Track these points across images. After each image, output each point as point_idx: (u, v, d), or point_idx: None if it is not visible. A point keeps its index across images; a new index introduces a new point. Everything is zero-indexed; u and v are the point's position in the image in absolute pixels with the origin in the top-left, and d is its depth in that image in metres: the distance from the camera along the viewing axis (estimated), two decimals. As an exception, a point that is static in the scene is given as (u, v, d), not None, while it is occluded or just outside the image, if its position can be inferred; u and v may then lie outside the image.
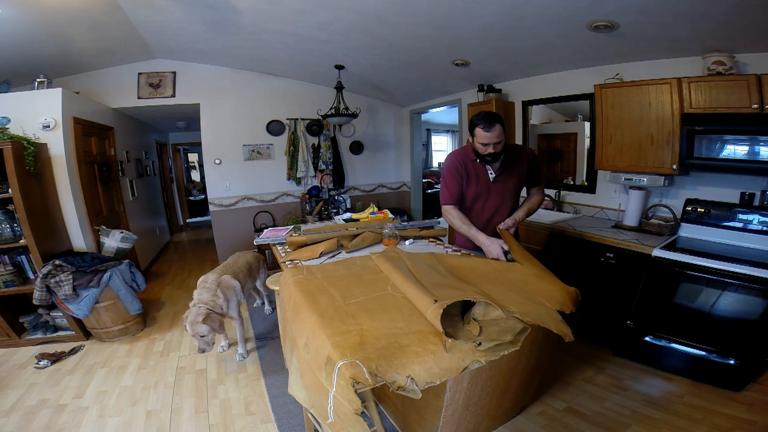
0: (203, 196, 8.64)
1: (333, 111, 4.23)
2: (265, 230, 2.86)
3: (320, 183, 5.22)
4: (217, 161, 4.78)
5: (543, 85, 3.52)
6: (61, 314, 2.92)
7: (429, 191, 7.24)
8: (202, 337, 2.26)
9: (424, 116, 6.00)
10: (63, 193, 3.11)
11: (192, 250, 6.08)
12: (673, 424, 1.87)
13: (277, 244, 2.51)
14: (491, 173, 2.03)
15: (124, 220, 4.32)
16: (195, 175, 10.38)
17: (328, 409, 1.03)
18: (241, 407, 2.15)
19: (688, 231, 2.55)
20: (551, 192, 3.54)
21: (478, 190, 2.07)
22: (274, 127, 4.98)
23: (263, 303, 3.50)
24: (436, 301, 1.28)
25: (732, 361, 2.06)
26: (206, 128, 4.66)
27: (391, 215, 3.07)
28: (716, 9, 1.97)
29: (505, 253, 1.89)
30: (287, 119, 5.00)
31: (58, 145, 3.07)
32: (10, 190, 2.56)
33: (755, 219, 2.29)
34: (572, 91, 3.28)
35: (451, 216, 2.11)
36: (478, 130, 1.85)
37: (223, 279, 2.57)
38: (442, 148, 9.53)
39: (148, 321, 3.34)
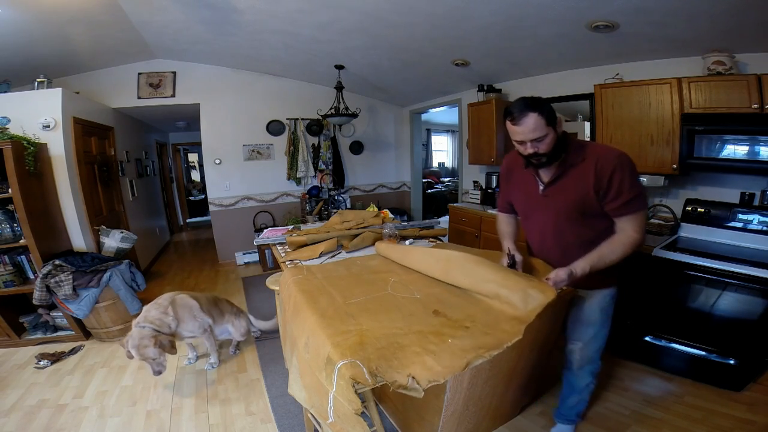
0: (203, 196, 8.63)
1: (333, 111, 4.23)
2: (265, 230, 2.86)
3: (320, 183, 5.22)
4: (217, 161, 4.78)
5: (543, 85, 3.52)
6: (61, 314, 2.92)
7: (429, 191, 7.24)
8: (153, 359, 2.06)
9: (424, 116, 6.00)
10: (63, 193, 3.11)
11: (192, 250, 6.08)
12: (673, 424, 1.87)
13: (277, 244, 2.52)
14: (540, 183, 1.50)
15: (124, 220, 4.32)
16: (195, 175, 10.38)
17: (328, 409, 1.03)
18: (241, 407, 2.15)
19: (688, 231, 2.55)
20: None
21: (526, 204, 1.61)
22: (274, 127, 4.98)
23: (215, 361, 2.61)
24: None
25: (732, 361, 2.06)
26: (206, 128, 4.67)
27: (391, 215, 3.07)
28: (716, 9, 1.97)
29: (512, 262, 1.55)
30: (287, 119, 5.00)
31: (58, 145, 3.07)
32: (10, 190, 2.56)
33: (755, 219, 2.29)
34: (572, 91, 3.28)
35: (498, 224, 1.79)
36: (507, 123, 1.38)
37: (178, 298, 2.36)
38: (442, 148, 9.54)
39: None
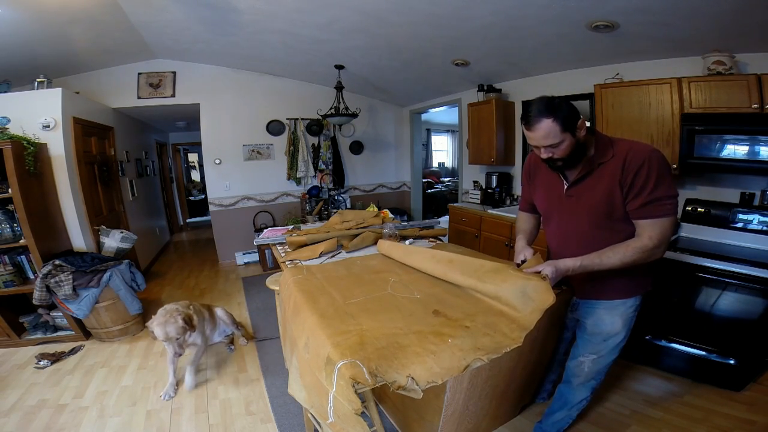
0: (203, 196, 8.63)
1: (333, 111, 4.23)
2: (265, 230, 2.87)
3: (320, 183, 5.22)
4: (217, 161, 4.78)
5: (543, 85, 3.52)
6: (61, 314, 2.92)
7: (429, 191, 7.24)
8: (176, 339, 2.14)
9: (424, 116, 6.00)
10: (63, 193, 3.11)
11: (192, 250, 6.08)
12: (673, 424, 1.88)
13: (277, 244, 2.51)
14: (565, 183, 1.43)
15: (124, 220, 4.32)
16: (195, 175, 10.38)
17: (328, 409, 1.03)
18: (241, 407, 2.15)
19: (688, 231, 2.55)
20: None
21: (548, 204, 1.53)
22: (274, 127, 4.98)
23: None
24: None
25: (732, 361, 2.06)
26: (206, 128, 4.67)
27: (391, 215, 3.07)
28: (716, 9, 1.97)
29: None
30: (287, 119, 5.00)
31: (58, 145, 3.07)
32: (10, 190, 2.56)
33: (755, 219, 2.29)
34: (572, 91, 3.27)
35: (516, 222, 1.73)
36: (523, 128, 1.30)
37: (194, 305, 2.46)
38: (442, 148, 9.54)
39: (147, 321, 3.32)
